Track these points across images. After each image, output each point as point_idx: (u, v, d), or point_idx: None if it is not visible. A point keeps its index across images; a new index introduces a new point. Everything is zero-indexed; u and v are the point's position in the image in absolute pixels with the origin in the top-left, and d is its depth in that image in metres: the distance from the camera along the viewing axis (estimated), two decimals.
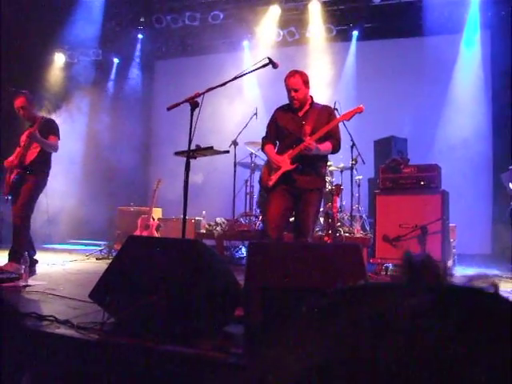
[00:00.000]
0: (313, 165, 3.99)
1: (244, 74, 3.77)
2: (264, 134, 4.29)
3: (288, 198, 3.98)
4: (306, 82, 4.00)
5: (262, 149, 4.32)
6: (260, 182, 4.38)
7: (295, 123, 4.04)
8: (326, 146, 3.96)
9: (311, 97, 4.14)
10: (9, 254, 4.63)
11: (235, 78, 3.78)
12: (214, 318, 2.48)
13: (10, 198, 4.91)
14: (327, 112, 4.12)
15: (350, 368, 0.35)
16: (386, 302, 0.39)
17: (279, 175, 3.97)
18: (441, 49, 8.32)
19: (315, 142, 3.86)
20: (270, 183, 4.00)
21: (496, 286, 0.39)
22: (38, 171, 4.90)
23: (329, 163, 6.91)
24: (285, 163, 3.95)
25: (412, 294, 0.39)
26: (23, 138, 5.01)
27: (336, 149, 4.06)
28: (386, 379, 0.33)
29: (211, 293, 2.48)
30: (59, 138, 5.04)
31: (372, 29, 8.84)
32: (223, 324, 2.57)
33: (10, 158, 4.97)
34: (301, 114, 4.07)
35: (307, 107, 4.07)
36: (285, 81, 4.02)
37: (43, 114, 5.53)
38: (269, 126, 4.26)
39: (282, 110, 4.20)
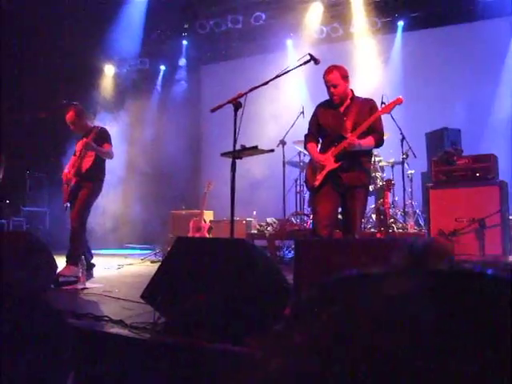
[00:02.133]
0: (357, 161, 3.91)
1: (285, 72, 3.75)
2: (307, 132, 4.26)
3: (335, 196, 3.94)
4: (344, 77, 3.93)
5: (305, 147, 4.29)
6: (305, 182, 4.35)
7: (336, 119, 3.98)
8: (369, 140, 3.88)
9: (352, 91, 4.06)
10: (66, 258, 4.81)
11: (277, 77, 3.76)
12: (265, 316, 2.47)
13: (68, 205, 5.13)
14: (368, 105, 4.01)
15: (348, 358, 0.34)
16: (382, 289, 0.37)
17: (324, 174, 3.92)
18: (491, 33, 7.97)
19: (357, 137, 3.79)
20: (317, 183, 3.96)
21: (508, 271, 0.36)
22: (93, 178, 5.09)
23: (379, 158, 6.78)
24: (329, 162, 3.90)
25: (410, 280, 0.38)
26: (78, 147, 5.22)
27: (379, 143, 3.98)
28: (384, 367, 0.32)
29: (260, 292, 2.48)
30: (112, 145, 5.22)
31: (418, 18, 8.58)
32: (273, 323, 2.55)
33: (66, 171, 5.19)
34: (342, 109, 4.00)
35: (348, 102, 3.99)
36: (323, 77, 3.96)
37: (95, 122, 5.72)
38: (310, 124, 4.22)
39: (322, 107, 4.15)
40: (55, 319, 0.78)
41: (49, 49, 8.44)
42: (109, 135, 5.24)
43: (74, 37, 8.41)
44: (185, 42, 10.11)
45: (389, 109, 3.95)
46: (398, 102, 3.93)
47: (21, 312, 0.73)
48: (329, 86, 3.91)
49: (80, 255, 4.78)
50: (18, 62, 8.30)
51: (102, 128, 5.29)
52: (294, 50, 9.43)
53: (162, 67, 10.72)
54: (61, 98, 6.81)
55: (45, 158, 9.31)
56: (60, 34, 8.28)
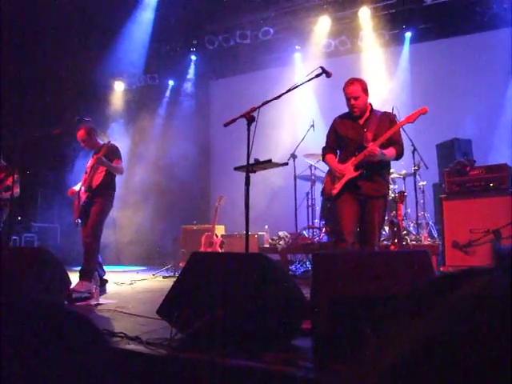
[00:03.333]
0: (377, 171, 3.91)
1: (298, 86, 3.75)
2: (324, 145, 4.25)
3: (355, 203, 3.92)
4: (365, 90, 3.95)
5: (323, 159, 4.28)
6: (323, 192, 4.32)
7: (356, 131, 3.98)
8: (390, 151, 3.88)
9: (371, 104, 4.07)
10: (80, 273, 4.81)
11: (289, 90, 3.76)
12: (281, 331, 2.44)
13: (79, 221, 5.15)
14: (388, 118, 4.03)
15: (454, 346, 0.36)
16: (478, 284, 0.38)
17: (343, 183, 3.91)
18: (499, 43, 7.95)
19: (379, 147, 3.79)
20: (335, 191, 3.95)
21: None
22: (104, 194, 5.11)
23: (391, 170, 6.75)
24: (348, 171, 3.90)
25: (498, 277, 0.39)
26: (89, 164, 5.26)
27: (400, 155, 3.97)
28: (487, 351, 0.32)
29: (277, 306, 2.45)
30: (122, 161, 5.27)
31: (425, 30, 8.61)
32: (290, 337, 2.52)
33: (74, 188, 5.23)
34: (361, 121, 4.00)
35: (367, 114, 4.00)
36: (344, 89, 3.96)
37: (105, 139, 5.78)
38: (328, 136, 4.22)
39: (341, 119, 4.15)
40: (99, 339, 0.78)
41: (59, 65, 8.54)
42: (119, 151, 5.30)
43: (84, 53, 8.52)
44: (193, 57, 10.19)
45: (413, 118, 3.90)
46: (423, 111, 3.91)
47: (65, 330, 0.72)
48: (349, 98, 3.92)
49: (93, 271, 4.79)
50: (30, 78, 8.39)
51: (112, 144, 5.33)
52: (302, 64, 9.48)
53: (171, 82, 10.79)
54: (72, 114, 6.87)
55: (55, 174, 9.38)
56: (71, 51, 8.38)
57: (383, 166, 3.98)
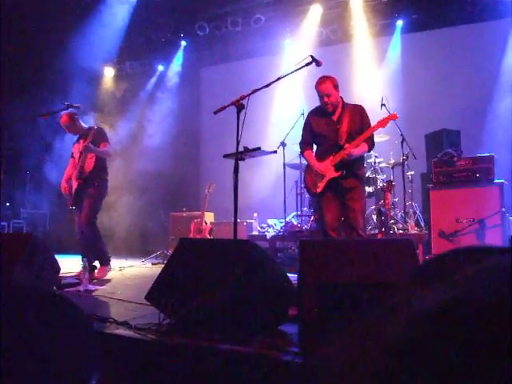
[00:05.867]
0: (353, 167, 4.17)
1: (288, 74, 3.76)
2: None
3: (337, 199, 4.21)
4: (336, 86, 4.17)
5: (302, 154, 4.51)
6: (306, 188, 4.55)
7: (330, 128, 4.20)
8: (363, 147, 4.14)
9: (341, 98, 4.28)
10: (98, 260, 5.04)
11: (279, 79, 3.77)
12: (268, 317, 2.48)
13: (74, 208, 5.15)
14: (358, 112, 4.23)
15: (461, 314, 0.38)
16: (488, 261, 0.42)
17: (325, 182, 4.17)
18: (489, 35, 8.00)
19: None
20: (319, 190, 4.22)
21: None
22: (97, 179, 5.11)
23: (379, 160, 6.81)
24: (328, 170, 4.14)
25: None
26: (75, 149, 5.24)
27: (371, 148, 4.27)
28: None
29: (264, 292, 2.49)
30: (109, 144, 5.27)
31: (416, 20, 8.59)
32: (277, 323, 2.56)
33: (64, 182, 5.21)
34: (335, 117, 4.21)
35: (340, 110, 4.22)
36: (316, 87, 4.18)
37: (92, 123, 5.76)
38: (304, 131, 4.44)
39: (315, 115, 4.36)
40: (82, 322, 0.80)
41: (49, 51, 8.45)
42: (105, 134, 5.28)
43: (73, 39, 8.42)
44: (183, 43, 10.09)
45: (384, 123, 4.15)
46: (393, 117, 4.20)
47: (48, 313, 0.74)
48: (322, 95, 4.13)
49: (107, 253, 4.99)
50: (20, 62, 8.29)
51: (98, 128, 5.30)
52: (293, 52, 9.44)
53: (161, 68, 10.67)
54: (61, 98, 6.82)
55: (43, 159, 9.32)
56: (60, 37, 8.28)
57: (358, 160, 4.26)
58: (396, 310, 0.45)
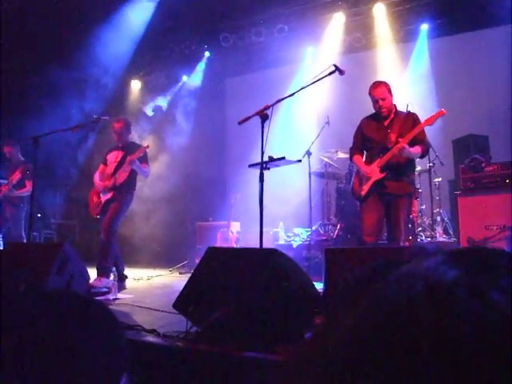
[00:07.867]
0: (401, 171, 4.10)
1: (311, 83, 3.79)
2: (350, 145, 4.48)
3: (381, 204, 4.15)
4: (390, 91, 4.18)
5: (351, 159, 4.50)
6: (352, 191, 4.51)
7: (381, 132, 4.18)
8: (416, 149, 4.06)
9: (395, 105, 4.26)
10: (97, 269, 4.90)
11: (302, 88, 3.80)
12: (295, 325, 2.48)
13: (99, 217, 5.26)
14: (412, 118, 4.20)
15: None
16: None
17: (370, 184, 4.12)
18: None
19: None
20: (363, 193, 4.18)
21: None
22: (126, 192, 5.21)
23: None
24: (374, 172, 4.10)
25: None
26: (112, 157, 5.33)
27: (425, 153, 4.21)
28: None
29: (291, 301, 2.49)
30: (149, 166, 5.42)
31: (441, 25, 8.51)
32: (304, 331, 2.57)
33: (97, 179, 5.32)
34: (386, 123, 4.20)
35: (392, 116, 4.20)
36: (370, 92, 4.18)
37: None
38: (355, 137, 4.44)
39: (367, 120, 4.37)
40: (115, 323, 0.83)
41: (77, 64, 8.66)
42: (147, 156, 5.39)
43: (102, 53, 8.62)
44: (207, 54, 10.21)
45: (431, 121, 4.03)
46: (441, 114, 4.02)
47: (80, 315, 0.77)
48: (377, 99, 4.13)
49: (110, 266, 4.89)
50: (49, 77, 8.51)
51: (147, 146, 5.35)
52: (316, 61, 9.45)
53: (185, 78, 10.80)
54: (90, 112, 6.98)
55: (72, 171, 9.54)
56: (90, 50, 8.49)
57: (408, 165, 4.16)
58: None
